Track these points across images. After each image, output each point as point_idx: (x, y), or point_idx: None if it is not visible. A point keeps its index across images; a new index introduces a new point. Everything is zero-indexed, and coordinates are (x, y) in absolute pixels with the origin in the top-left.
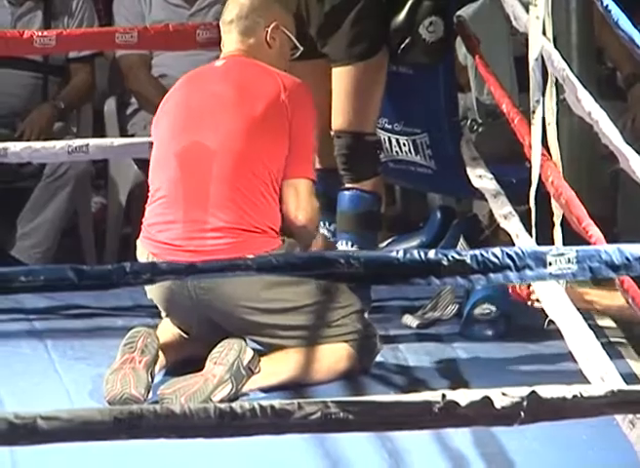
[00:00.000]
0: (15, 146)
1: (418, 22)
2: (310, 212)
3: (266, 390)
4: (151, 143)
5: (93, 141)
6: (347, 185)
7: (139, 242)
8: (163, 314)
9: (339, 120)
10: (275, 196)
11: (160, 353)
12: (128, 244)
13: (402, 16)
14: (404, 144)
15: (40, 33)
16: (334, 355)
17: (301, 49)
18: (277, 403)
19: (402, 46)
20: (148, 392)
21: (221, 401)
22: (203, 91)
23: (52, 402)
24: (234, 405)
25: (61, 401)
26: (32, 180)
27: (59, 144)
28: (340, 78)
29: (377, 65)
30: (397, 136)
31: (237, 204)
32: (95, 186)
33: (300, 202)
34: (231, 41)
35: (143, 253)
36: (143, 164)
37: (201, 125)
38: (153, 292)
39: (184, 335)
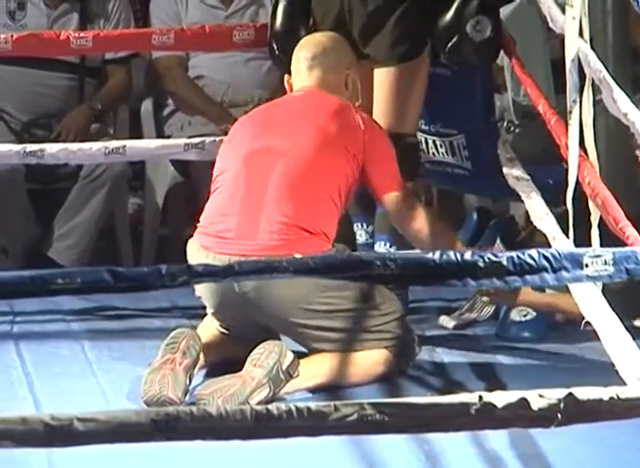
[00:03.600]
0: (52, 148)
1: (465, 21)
2: (417, 217)
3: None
4: (187, 144)
5: (129, 143)
6: None
7: (192, 239)
8: (209, 310)
9: (379, 121)
10: (336, 205)
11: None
12: (165, 245)
13: (449, 15)
14: (440, 146)
15: (77, 34)
16: (372, 359)
17: (360, 101)
18: (313, 405)
19: (449, 45)
20: (185, 395)
21: (259, 404)
22: (281, 108)
23: (89, 402)
24: (271, 407)
25: (98, 401)
26: (69, 182)
27: (95, 146)
28: (382, 79)
29: (418, 67)
30: (434, 138)
31: (294, 203)
32: (131, 188)
33: (404, 211)
34: (311, 76)
35: (194, 246)
36: (180, 165)
37: (273, 133)
38: (201, 288)
39: (225, 335)
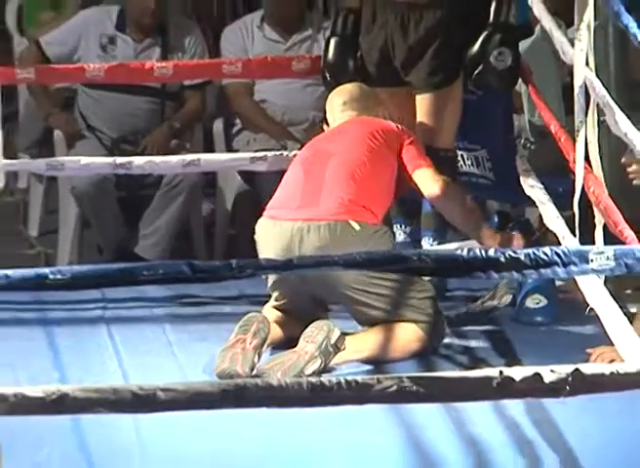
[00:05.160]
0: (138, 160)
1: (489, 52)
2: (441, 182)
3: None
4: (252, 157)
5: (203, 156)
6: None
7: (260, 219)
8: (270, 288)
9: (420, 137)
10: (383, 190)
11: None
12: (233, 243)
13: (475, 47)
14: (467, 159)
15: (159, 64)
16: (407, 336)
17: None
18: (359, 378)
19: (475, 73)
20: (252, 370)
21: (312, 374)
22: (332, 130)
23: (169, 376)
24: (323, 379)
25: (177, 375)
26: (153, 189)
27: (174, 159)
28: (421, 103)
29: (452, 92)
30: (462, 152)
31: (349, 185)
32: (205, 194)
33: (432, 181)
34: (347, 115)
35: (261, 222)
36: (246, 175)
37: (326, 142)
38: None
39: (282, 319)
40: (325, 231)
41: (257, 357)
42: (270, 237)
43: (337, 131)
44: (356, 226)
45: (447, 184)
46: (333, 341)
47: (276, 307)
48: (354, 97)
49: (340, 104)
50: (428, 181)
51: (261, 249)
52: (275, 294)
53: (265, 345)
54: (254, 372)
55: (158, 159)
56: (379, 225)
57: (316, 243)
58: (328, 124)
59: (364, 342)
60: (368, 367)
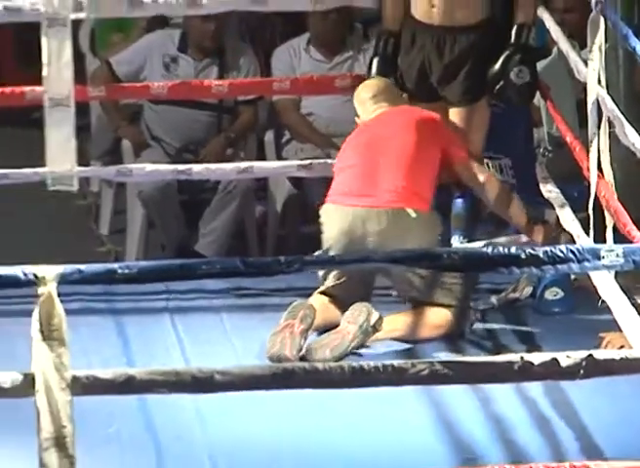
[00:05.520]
0: (197, 167)
1: (509, 70)
2: (484, 173)
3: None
4: (300, 165)
5: (256, 164)
6: (457, 194)
7: (324, 205)
8: (324, 274)
9: None
10: (430, 179)
11: None
12: (283, 242)
13: (497, 65)
14: (492, 166)
15: (216, 82)
16: (437, 319)
17: None
18: (395, 362)
19: (497, 88)
20: (299, 352)
21: (354, 351)
22: (380, 118)
23: (225, 360)
24: (363, 363)
25: (233, 359)
26: (211, 193)
27: (230, 166)
28: (455, 116)
29: (481, 107)
30: (487, 160)
31: (402, 173)
32: (257, 197)
33: (477, 173)
34: (380, 106)
35: (325, 207)
36: (295, 181)
37: (380, 128)
38: (330, 234)
39: (327, 305)
40: (383, 218)
41: (303, 340)
42: (334, 221)
43: (383, 119)
44: (412, 213)
45: (495, 178)
46: (372, 323)
47: (325, 292)
48: (381, 90)
49: (369, 97)
50: (478, 174)
51: (327, 231)
52: (331, 276)
53: (311, 330)
54: (301, 353)
55: (215, 166)
56: (428, 211)
57: (376, 227)
58: (358, 116)
59: (397, 323)
60: (400, 347)
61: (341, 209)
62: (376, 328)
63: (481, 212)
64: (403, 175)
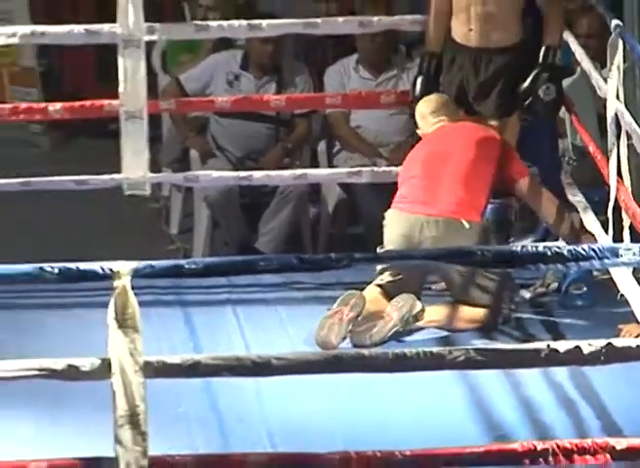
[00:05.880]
0: (257, 174)
1: (538, 87)
2: (544, 191)
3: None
4: (349, 172)
5: (310, 171)
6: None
7: (389, 210)
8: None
9: None
10: (485, 192)
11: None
12: (334, 240)
13: (527, 83)
14: None
15: (275, 97)
16: (473, 315)
17: None
18: (434, 349)
19: (526, 103)
20: (343, 340)
21: (393, 336)
22: (444, 131)
23: (281, 346)
24: (405, 350)
25: (287, 345)
26: (269, 197)
27: (287, 173)
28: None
29: (512, 121)
30: None
31: (461, 187)
32: (311, 201)
33: (534, 190)
34: (440, 120)
35: (390, 212)
36: (345, 186)
37: (444, 142)
38: (389, 237)
39: (379, 297)
40: (441, 226)
41: (350, 326)
42: (395, 225)
43: (446, 133)
44: (466, 225)
45: (548, 194)
46: (414, 313)
47: (380, 284)
48: (440, 105)
49: (429, 112)
50: (536, 189)
51: (387, 234)
52: (387, 272)
53: (359, 318)
54: (347, 340)
55: (274, 173)
56: (480, 222)
57: (433, 233)
58: (418, 127)
59: (437, 314)
60: (437, 334)
61: (403, 214)
62: (417, 318)
63: (509, 219)
64: (461, 187)
